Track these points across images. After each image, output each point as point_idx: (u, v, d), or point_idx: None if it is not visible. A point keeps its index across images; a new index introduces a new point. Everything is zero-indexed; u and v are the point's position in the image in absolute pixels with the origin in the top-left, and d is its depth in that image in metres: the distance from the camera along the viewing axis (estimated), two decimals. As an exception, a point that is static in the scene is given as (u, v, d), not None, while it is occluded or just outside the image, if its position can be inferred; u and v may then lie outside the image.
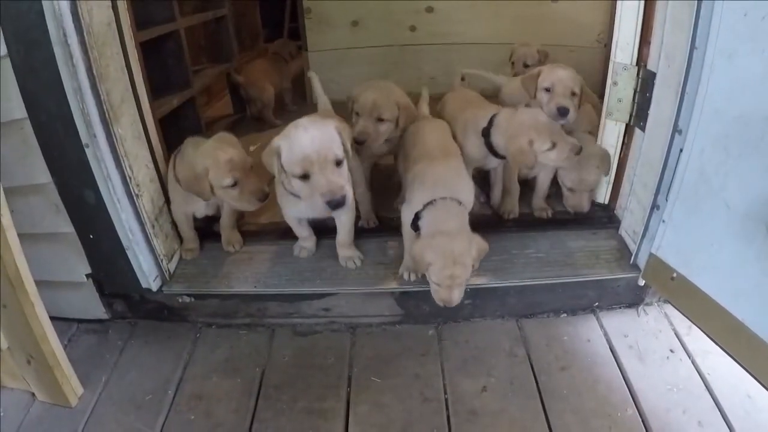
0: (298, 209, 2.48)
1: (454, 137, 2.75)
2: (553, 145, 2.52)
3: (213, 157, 2.34)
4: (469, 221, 2.34)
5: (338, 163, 2.17)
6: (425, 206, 2.32)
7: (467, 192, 2.43)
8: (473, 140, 2.70)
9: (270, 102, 4.45)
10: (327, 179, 2.12)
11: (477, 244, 2.26)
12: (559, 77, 2.72)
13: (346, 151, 2.21)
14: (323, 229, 2.73)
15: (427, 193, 2.34)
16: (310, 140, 2.12)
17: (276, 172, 2.23)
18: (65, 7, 1.92)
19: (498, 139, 2.61)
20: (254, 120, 4.59)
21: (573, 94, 2.71)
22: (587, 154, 2.67)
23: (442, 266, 2.20)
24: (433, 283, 2.27)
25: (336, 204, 2.13)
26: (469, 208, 2.38)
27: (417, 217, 2.34)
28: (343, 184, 2.16)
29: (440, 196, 2.31)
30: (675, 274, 2.19)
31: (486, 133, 2.64)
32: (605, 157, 2.74)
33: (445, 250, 2.19)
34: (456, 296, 2.26)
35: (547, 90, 2.74)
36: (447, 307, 2.31)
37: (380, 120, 2.65)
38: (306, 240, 2.69)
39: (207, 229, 2.85)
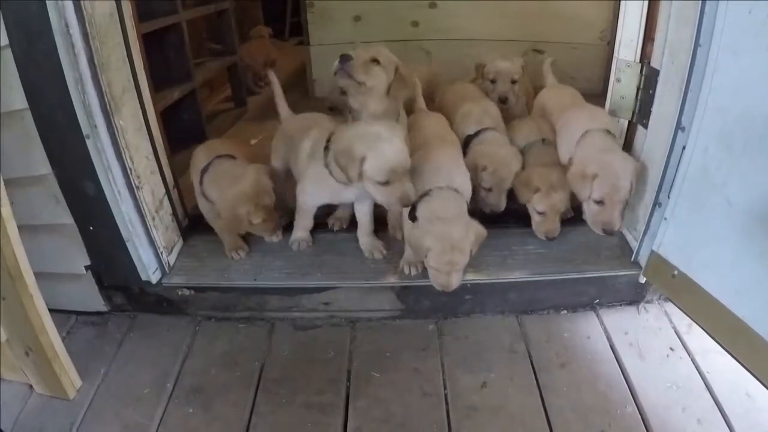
0: (321, 198, 2.55)
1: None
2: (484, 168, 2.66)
3: (254, 203, 2.47)
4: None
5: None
6: (422, 196, 2.33)
7: (464, 181, 2.44)
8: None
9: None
10: (407, 186, 2.23)
11: (475, 229, 2.28)
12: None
13: None
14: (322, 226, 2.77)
15: (424, 183, 2.35)
16: (395, 152, 2.18)
17: (352, 175, 2.21)
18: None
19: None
20: (256, 111, 4.61)
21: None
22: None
23: (441, 252, 2.22)
24: (431, 268, 2.30)
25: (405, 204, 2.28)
26: (467, 197, 2.40)
27: (414, 207, 2.34)
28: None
29: (437, 186, 2.33)
30: (676, 272, 2.19)
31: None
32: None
33: (444, 236, 2.21)
34: (454, 281, 2.28)
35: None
36: (446, 295, 2.36)
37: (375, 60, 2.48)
38: (305, 231, 2.70)
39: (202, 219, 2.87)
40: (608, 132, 2.57)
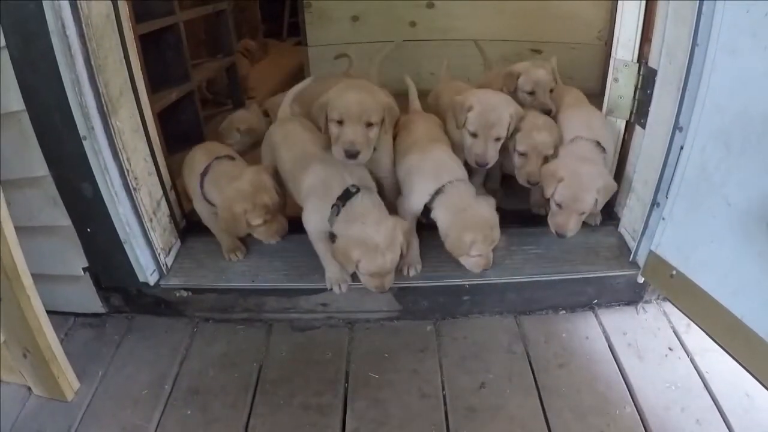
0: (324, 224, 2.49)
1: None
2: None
3: (252, 202, 2.41)
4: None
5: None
6: (434, 196, 2.36)
7: (464, 174, 2.48)
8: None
9: None
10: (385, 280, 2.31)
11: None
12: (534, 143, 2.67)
13: None
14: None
15: (432, 182, 2.38)
16: (383, 262, 2.24)
17: (349, 269, 2.31)
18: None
19: None
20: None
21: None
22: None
23: (483, 238, 2.30)
24: (471, 258, 2.37)
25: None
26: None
27: (428, 209, 2.38)
28: None
29: (447, 181, 2.37)
30: (674, 272, 2.19)
31: None
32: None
33: (480, 223, 2.32)
34: (491, 256, 2.40)
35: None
36: (444, 304, 2.40)
37: (369, 125, 2.33)
38: (336, 266, 2.57)
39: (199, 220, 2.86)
40: (597, 144, 2.57)
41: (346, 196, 2.28)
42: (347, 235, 2.24)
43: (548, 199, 2.53)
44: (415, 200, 2.42)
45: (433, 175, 2.40)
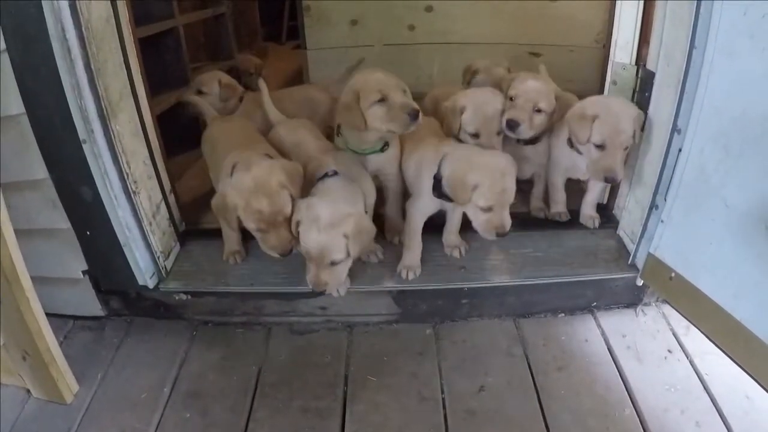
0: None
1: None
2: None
3: (245, 200, 2.20)
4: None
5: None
6: (441, 161, 2.34)
7: None
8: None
9: None
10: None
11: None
12: (525, 89, 2.60)
13: None
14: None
15: (437, 155, 2.38)
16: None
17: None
18: (64, 2, 1.92)
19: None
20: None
21: (538, 110, 2.59)
22: None
23: (492, 183, 2.19)
24: (482, 212, 2.24)
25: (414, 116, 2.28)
26: None
27: (437, 179, 2.35)
28: None
29: (452, 148, 2.39)
30: (673, 274, 2.19)
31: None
32: None
33: (490, 166, 2.22)
34: (508, 219, 2.26)
35: (511, 99, 2.63)
36: (443, 308, 2.38)
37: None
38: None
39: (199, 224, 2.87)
40: None
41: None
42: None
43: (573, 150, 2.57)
44: (427, 193, 2.40)
45: (438, 150, 2.40)
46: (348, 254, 2.17)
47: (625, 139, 2.35)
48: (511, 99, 2.61)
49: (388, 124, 2.31)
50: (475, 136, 2.54)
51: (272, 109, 3.00)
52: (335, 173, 2.31)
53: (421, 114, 2.28)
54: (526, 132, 2.56)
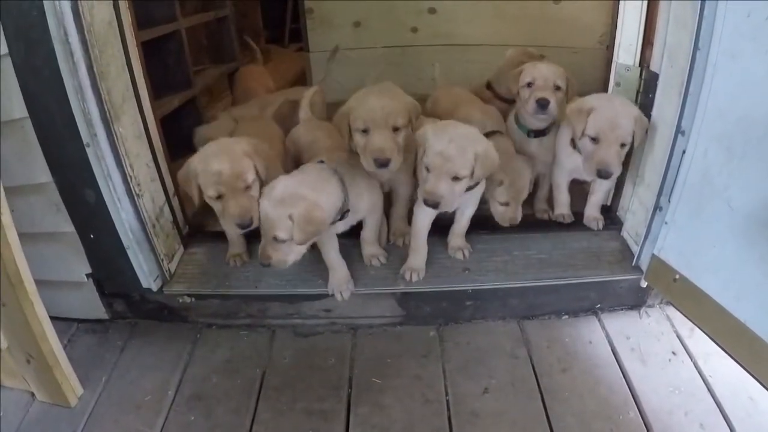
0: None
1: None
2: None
3: (205, 163, 2.22)
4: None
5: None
6: None
7: None
8: None
9: None
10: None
11: None
12: (540, 71, 2.64)
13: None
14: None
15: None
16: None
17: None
18: (66, 6, 1.92)
19: None
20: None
21: (557, 88, 2.63)
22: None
23: (510, 183, 2.52)
24: (499, 206, 2.59)
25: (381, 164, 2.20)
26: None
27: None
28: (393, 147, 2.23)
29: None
30: (677, 276, 2.19)
31: None
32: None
33: (515, 168, 2.53)
34: (520, 212, 2.60)
35: (529, 85, 2.65)
36: (447, 310, 2.39)
37: (396, 130, 2.27)
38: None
39: (202, 226, 2.88)
40: None
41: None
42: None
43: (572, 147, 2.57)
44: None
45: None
46: (472, 175, 2.18)
47: (621, 135, 2.32)
48: (528, 85, 2.64)
49: (362, 156, 2.25)
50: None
51: (305, 108, 3.02)
52: (321, 162, 2.31)
53: (393, 162, 2.21)
54: (554, 110, 2.59)
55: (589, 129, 2.36)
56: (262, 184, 2.27)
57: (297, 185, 2.13)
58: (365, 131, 2.23)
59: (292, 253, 2.18)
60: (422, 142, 2.23)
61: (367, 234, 2.58)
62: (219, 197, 2.23)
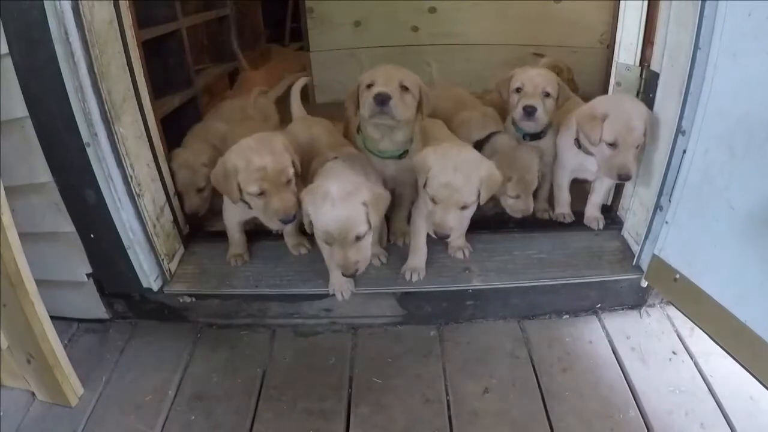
0: None
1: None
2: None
3: (246, 159, 2.19)
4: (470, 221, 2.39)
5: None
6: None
7: None
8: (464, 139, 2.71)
9: None
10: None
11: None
12: (530, 77, 2.63)
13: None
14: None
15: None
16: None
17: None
18: (66, 5, 1.92)
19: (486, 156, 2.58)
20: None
21: (546, 94, 2.61)
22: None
23: (518, 179, 2.55)
24: (510, 199, 2.62)
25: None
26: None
27: None
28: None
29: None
30: (678, 276, 2.19)
31: (477, 147, 2.64)
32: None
33: (517, 165, 2.54)
34: (531, 203, 2.64)
35: (518, 90, 2.65)
36: (447, 309, 2.40)
37: (404, 88, 2.31)
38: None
39: (203, 227, 2.90)
40: None
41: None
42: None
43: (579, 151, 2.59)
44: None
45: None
46: (369, 225, 2.12)
47: (637, 137, 2.33)
48: (517, 90, 2.63)
49: (363, 109, 2.31)
50: (612, 146, 2.37)
51: (296, 104, 3.05)
52: (335, 158, 2.31)
53: (394, 101, 2.23)
54: (542, 117, 2.59)
55: (607, 135, 2.36)
56: (298, 178, 2.30)
57: (346, 177, 2.14)
58: (370, 86, 2.30)
59: (370, 245, 2.19)
60: (423, 169, 2.21)
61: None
62: (261, 194, 2.21)
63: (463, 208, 2.18)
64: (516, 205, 2.62)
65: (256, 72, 4.66)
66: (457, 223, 2.19)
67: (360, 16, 4.72)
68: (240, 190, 2.25)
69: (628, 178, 2.37)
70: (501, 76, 2.78)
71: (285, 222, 2.25)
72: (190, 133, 3.16)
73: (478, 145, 2.67)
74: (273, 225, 2.34)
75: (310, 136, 2.71)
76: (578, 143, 2.57)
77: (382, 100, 2.22)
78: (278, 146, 2.23)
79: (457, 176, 2.12)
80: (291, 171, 2.22)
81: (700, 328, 2.18)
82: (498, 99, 2.94)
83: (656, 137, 2.36)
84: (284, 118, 3.35)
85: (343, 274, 2.18)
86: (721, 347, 2.05)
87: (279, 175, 2.20)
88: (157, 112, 2.65)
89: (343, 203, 2.05)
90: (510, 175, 2.52)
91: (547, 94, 2.60)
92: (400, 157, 2.51)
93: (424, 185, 2.21)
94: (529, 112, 2.57)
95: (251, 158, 2.18)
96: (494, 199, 2.83)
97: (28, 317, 2.01)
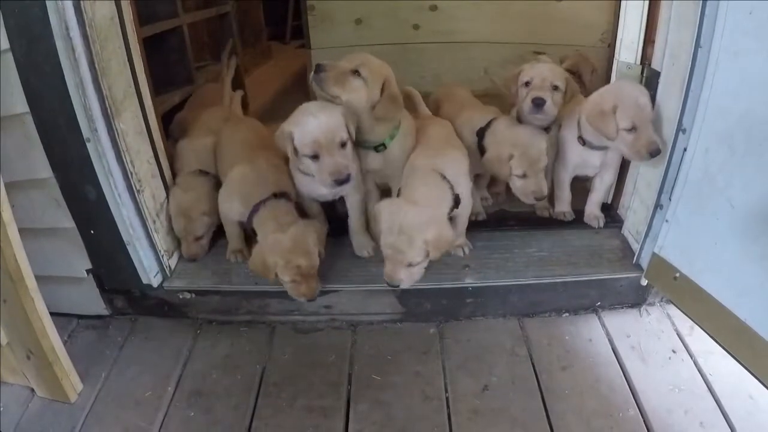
0: (309, 189, 2.54)
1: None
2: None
3: (286, 259, 2.30)
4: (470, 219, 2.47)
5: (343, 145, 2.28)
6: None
7: (465, 189, 2.48)
8: (467, 139, 2.72)
9: None
10: (334, 160, 2.24)
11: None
12: (539, 71, 2.63)
13: (350, 134, 2.30)
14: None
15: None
16: (318, 125, 2.22)
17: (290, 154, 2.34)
18: (68, 2, 1.93)
19: (488, 140, 2.63)
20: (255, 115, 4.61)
21: (555, 88, 2.60)
22: None
23: (521, 154, 2.49)
24: (517, 180, 2.54)
25: (341, 182, 2.25)
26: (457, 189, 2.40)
27: None
28: (348, 163, 2.28)
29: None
30: (678, 274, 2.19)
31: (480, 134, 2.66)
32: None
33: (518, 141, 2.51)
34: (545, 184, 2.57)
35: (527, 84, 2.64)
36: (447, 307, 2.44)
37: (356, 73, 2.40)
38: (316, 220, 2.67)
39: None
40: None
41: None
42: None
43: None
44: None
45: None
46: (427, 256, 2.24)
47: (650, 112, 2.33)
48: (526, 84, 2.62)
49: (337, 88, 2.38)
50: (632, 130, 2.35)
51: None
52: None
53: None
54: (551, 109, 2.57)
55: (623, 123, 2.35)
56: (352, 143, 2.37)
57: (421, 209, 2.23)
58: (355, 72, 2.39)
59: (422, 270, 2.31)
60: (377, 221, 2.34)
61: (354, 223, 2.67)
62: (315, 156, 2.27)
63: (410, 265, 2.25)
64: (526, 187, 2.54)
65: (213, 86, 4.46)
66: (407, 277, 2.27)
67: (361, 14, 4.70)
68: (296, 152, 2.33)
69: (658, 152, 2.31)
70: (504, 74, 2.77)
71: (338, 182, 2.28)
72: (178, 157, 2.85)
73: (481, 133, 2.68)
74: (328, 187, 2.35)
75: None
76: (582, 140, 2.57)
77: (318, 68, 2.40)
78: (335, 111, 2.31)
79: (401, 239, 2.20)
80: (345, 134, 2.29)
81: (700, 327, 2.18)
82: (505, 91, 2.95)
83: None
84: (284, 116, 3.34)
85: (336, 182, 2.25)
86: (720, 346, 2.05)
87: (310, 270, 2.35)
88: (157, 108, 2.64)
89: (405, 239, 2.18)
90: (510, 152, 2.50)
91: (556, 88, 2.59)
92: (377, 149, 2.53)
93: None
94: (538, 103, 2.55)
95: (289, 258, 2.30)
96: (494, 198, 2.83)
97: (28, 313, 2.01)
